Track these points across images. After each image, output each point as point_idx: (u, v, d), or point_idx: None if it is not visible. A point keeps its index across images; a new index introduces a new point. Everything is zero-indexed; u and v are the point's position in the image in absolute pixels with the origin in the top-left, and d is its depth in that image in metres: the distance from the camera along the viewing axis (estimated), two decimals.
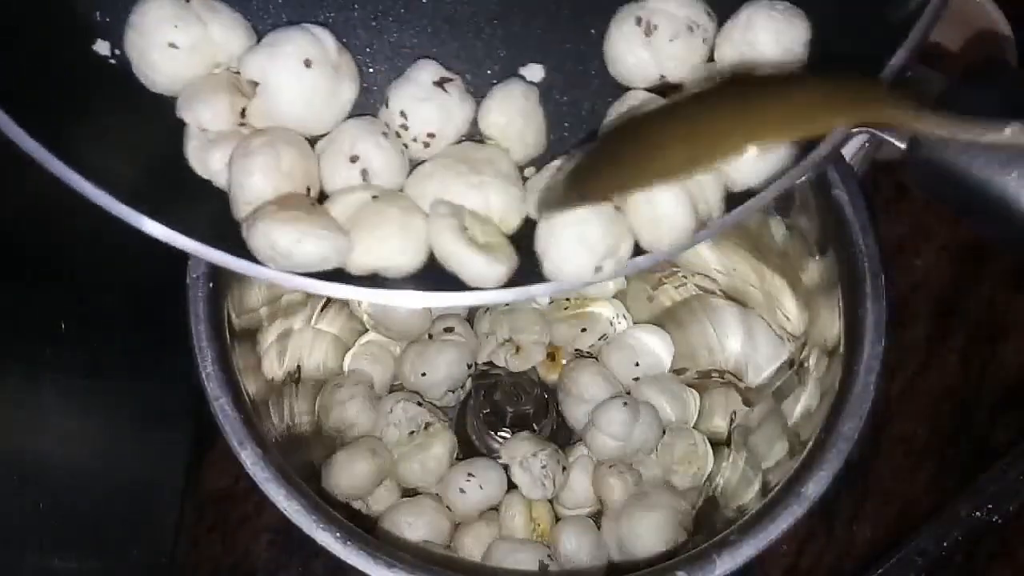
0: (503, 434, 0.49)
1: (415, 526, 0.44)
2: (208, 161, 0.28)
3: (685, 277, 0.50)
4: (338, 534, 0.34)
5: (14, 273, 0.36)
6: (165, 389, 0.48)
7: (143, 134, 0.29)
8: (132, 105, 0.29)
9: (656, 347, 0.51)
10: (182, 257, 0.38)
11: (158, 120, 0.29)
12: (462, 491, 0.45)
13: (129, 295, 0.45)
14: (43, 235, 0.39)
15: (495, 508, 0.46)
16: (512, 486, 0.46)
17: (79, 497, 0.42)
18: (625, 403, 0.46)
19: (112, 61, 0.29)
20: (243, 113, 0.29)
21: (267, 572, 0.52)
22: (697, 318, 0.50)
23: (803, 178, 0.27)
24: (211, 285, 0.37)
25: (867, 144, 0.48)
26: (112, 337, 0.44)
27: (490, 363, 0.51)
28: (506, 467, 0.46)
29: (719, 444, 0.48)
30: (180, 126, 0.29)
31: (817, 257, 0.41)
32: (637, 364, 0.49)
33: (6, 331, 0.37)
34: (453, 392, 0.48)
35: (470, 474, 0.45)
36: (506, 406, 0.48)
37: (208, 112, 0.28)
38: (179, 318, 0.37)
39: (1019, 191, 0.23)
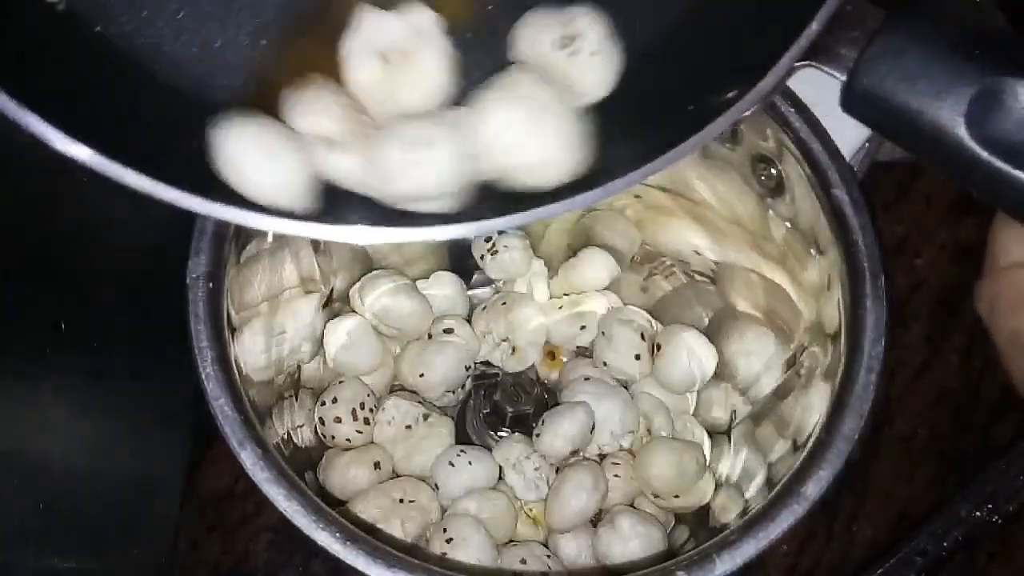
0: (503, 434, 0.49)
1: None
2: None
3: (673, 266, 0.50)
4: (338, 534, 0.34)
5: (14, 273, 0.36)
6: (165, 389, 0.48)
7: (99, 81, 0.27)
8: (85, 54, 0.27)
9: None
10: (182, 257, 0.38)
11: (115, 65, 0.27)
12: (451, 464, 0.45)
13: (129, 295, 0.45)
14: (43, 234, 0.39)
15: None
16: None
17: (79, 497, 0.42)
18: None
19: (60, 7, 0.27)
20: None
21: (267, 572, 0.52)
22: (690, 304, 0.50)
23: (749, 111, 0.25)
24: (211, 285, 0.37)
25: (867, 143, 0.48)
26: (112, 337, 0.44)
27: (488, 362, 0.51)
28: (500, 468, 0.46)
29: (719, 441, 0.48)
30: (134, 71, 0.27)
31: (817, 257, 0.41)
32: (638, 357, 0.48)
33: (6, 331, 0.37)
34: (452, 393, 0.48)
35: (461, 450, 0.45)
36: (506, 406, 0.48)
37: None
38: (179, 318, 0.37)
39: (950, 119, 0.26)
